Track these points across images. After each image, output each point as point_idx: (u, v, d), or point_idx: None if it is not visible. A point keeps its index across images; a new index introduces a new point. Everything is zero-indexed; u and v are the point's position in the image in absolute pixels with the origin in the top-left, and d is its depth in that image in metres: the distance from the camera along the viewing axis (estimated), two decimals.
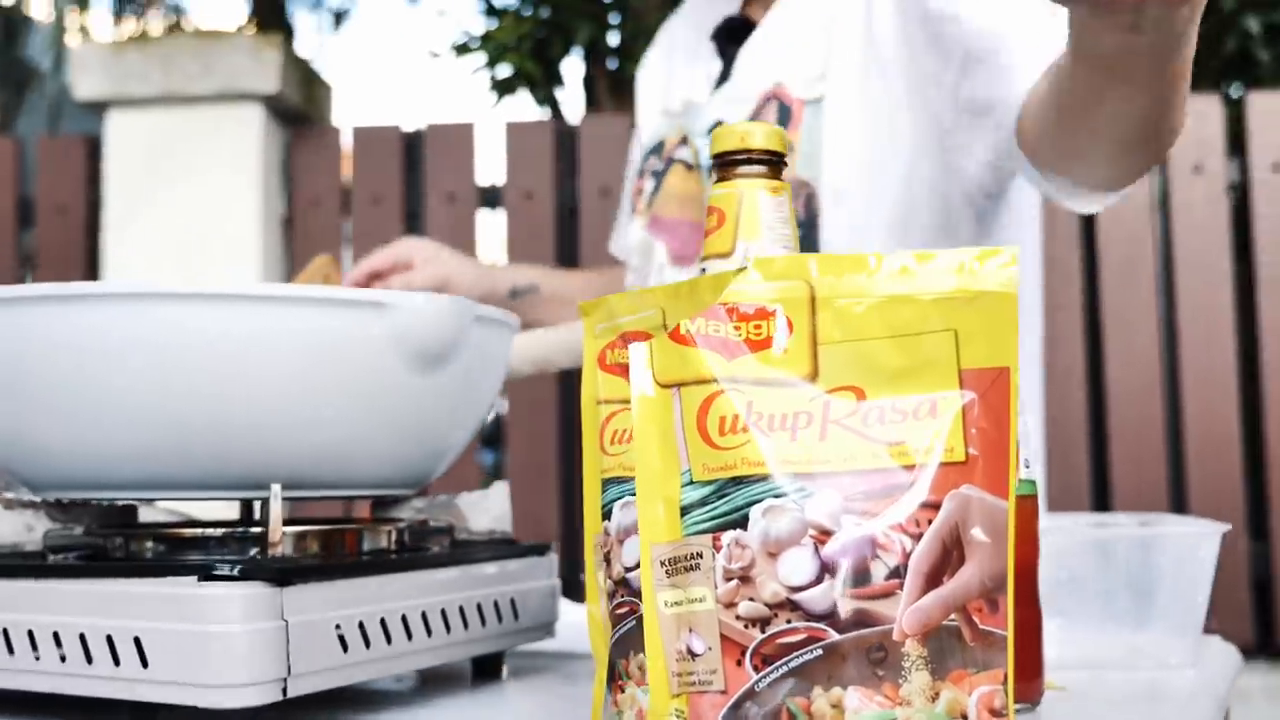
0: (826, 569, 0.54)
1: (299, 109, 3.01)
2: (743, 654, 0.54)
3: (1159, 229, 2.78)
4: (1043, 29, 1.09)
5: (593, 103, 3.62)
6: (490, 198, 2.98)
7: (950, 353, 0.56)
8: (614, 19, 3.49)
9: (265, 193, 2.93)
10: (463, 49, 3.55)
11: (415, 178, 3.00)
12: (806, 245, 1.18)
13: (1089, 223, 2.78)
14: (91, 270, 3.01)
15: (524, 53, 3.28)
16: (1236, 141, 2.78)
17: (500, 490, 0.87)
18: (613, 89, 3.44)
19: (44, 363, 0.68)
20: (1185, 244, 2.76)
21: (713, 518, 0.55)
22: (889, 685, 0.53)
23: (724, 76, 1.36)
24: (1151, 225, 2.76)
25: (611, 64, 3.52)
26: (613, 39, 3.52)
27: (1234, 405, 2.70)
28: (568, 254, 2.94)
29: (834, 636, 0.53)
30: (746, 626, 0.54)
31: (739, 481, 0.55)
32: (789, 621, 0.54)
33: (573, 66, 3.91)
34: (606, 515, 0.64)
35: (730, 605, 0.55)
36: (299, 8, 5.91)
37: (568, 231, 2.96)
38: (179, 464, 0.70)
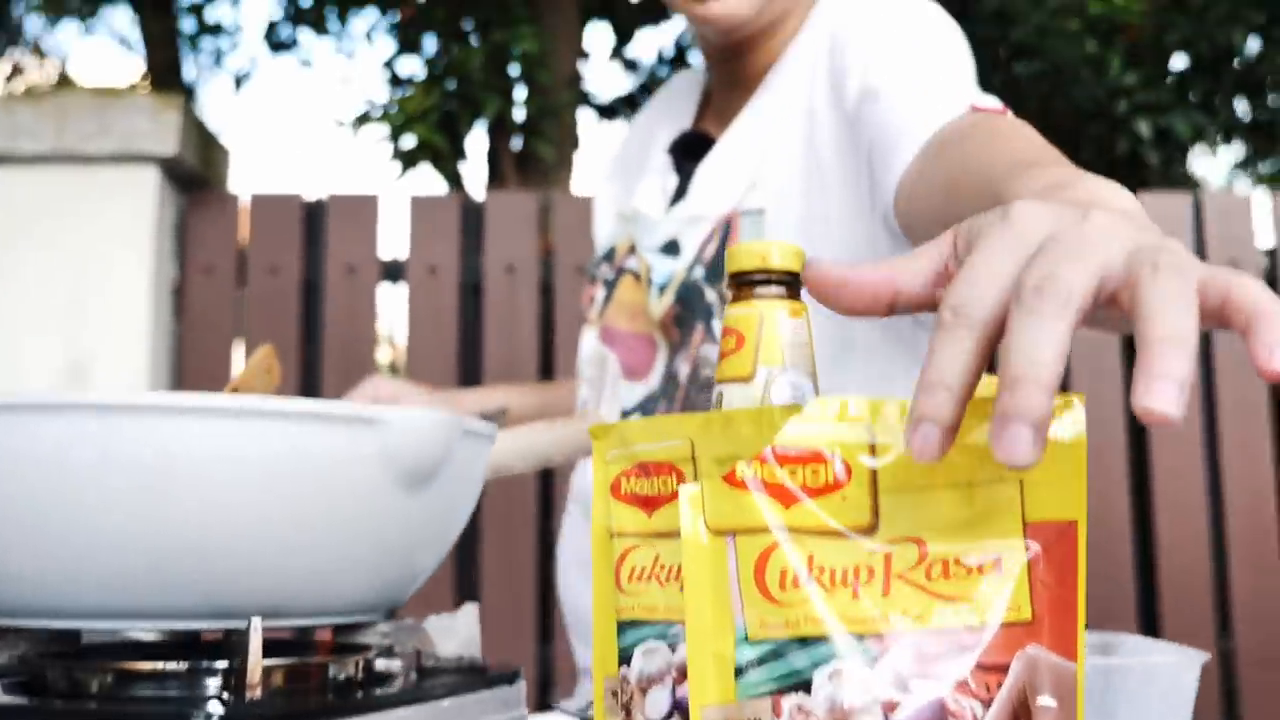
0: None
1: (196, 173, 2.92)
2: None
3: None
4: (936, 107, 1.06)
5: (496, 177, 3.60)
6: (392, 271, 2.92)
7: (1015, 503, 0.54)
8: (520, 94, 3.48)
9: (157, 259, 2.83)
10: (364, 118, 3.51)
11: (315, 248, 2.92)
12: None
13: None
14: None
15: (430, 125, 3.24)
16: None
17: (469, 613, 0.82)
18: (518, 164, 3.42)
19: (3, 477, 0.62)
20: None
21: (772, 680, 0.52)
22: None
23: (680, 193, 1.34)
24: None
25: (516, 140, 3.50)
26: (519, 114, 3.50)
27: None
28: (471, 331, 2.89)
29: None
30: None
31: (802, 641, 0.52)
32: None
33: (477, 140, 3.88)
34: (625, 660, 0.60)
35: None
36: (197, 67, 5.80)
37: (471, 307, 2.91)
38: (149, 591, 0.64)
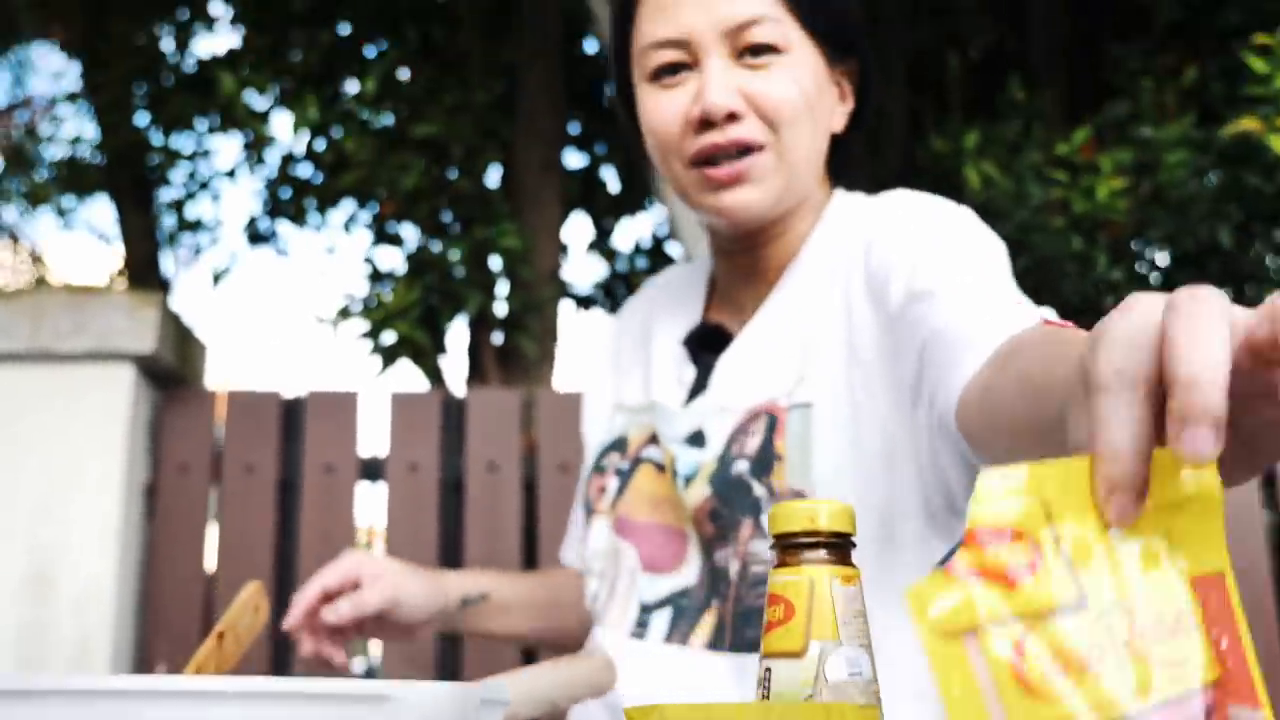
0: None
1: (172, 369, 2.88)
2: None
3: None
4: (999, 316, 1.05)
5: (477, 373, 3.57)
6: (371, 469, 2.86)
7: (1173, 558, 0.50)
8: (502, 289, 3.49)
9: (129, 455, 2.76)
10: (344, 313, 3.50)
11: (293, 446, 2.86)
12: None
13: None
14: None
15: (411, 320, 3.23)
16: None
17: None
18: (499, 359, 3.41)
19: None
20: None
21: None
22: None
23: (700, 385, 1.32)
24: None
25: (498, 335, 3.49)
26: (500, 309, 3.50)
27: None
28: (451, 529, 2.81)
29: None
30: None
31: None
32: None
33: (458, 335, 3.88)
34: None
35: None
36: (175, 261, 5.83)
37: (451, 505, 2.84)
38: None
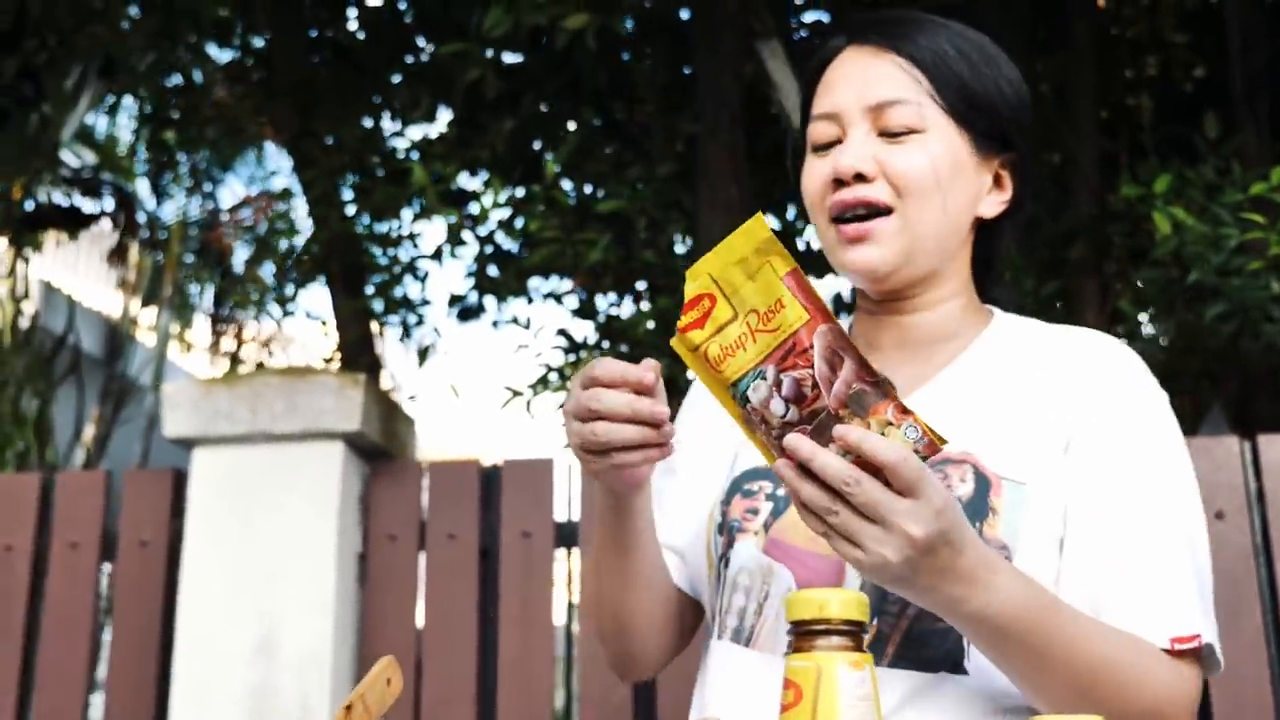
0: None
1: (378, 444, 3.05)
2: None
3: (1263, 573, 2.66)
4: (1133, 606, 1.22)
5: None
6: (567, 534, 2.95)
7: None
8: None
9: (341, 527, 2.93)
10: (543, 382, 3.62)
11: (491, 513, 2.99)
12: None
13: None
14: (168, 603, 2.99)
15: None
16: None
17: None
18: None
19: None
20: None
21: None
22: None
23: None
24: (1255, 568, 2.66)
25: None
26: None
27: None
28: None
29: None
30: None
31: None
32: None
33: None
34: (743, 402, 1.02)
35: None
36: (385, 340, 6.10)
37: None
38: None
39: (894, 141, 1.33)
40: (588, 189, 3.69)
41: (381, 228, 5.14)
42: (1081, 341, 1.37)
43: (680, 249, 3.91)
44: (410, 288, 5.50)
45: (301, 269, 5.65)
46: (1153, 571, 1.21)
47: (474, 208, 4.24)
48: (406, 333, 5.51)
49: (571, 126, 4.00)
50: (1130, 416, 1.30)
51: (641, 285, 4.06)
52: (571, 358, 3.87)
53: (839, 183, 1.34)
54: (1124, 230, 4.27)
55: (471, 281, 5.01)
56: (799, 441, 0.97)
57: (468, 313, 5.36)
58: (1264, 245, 3.30)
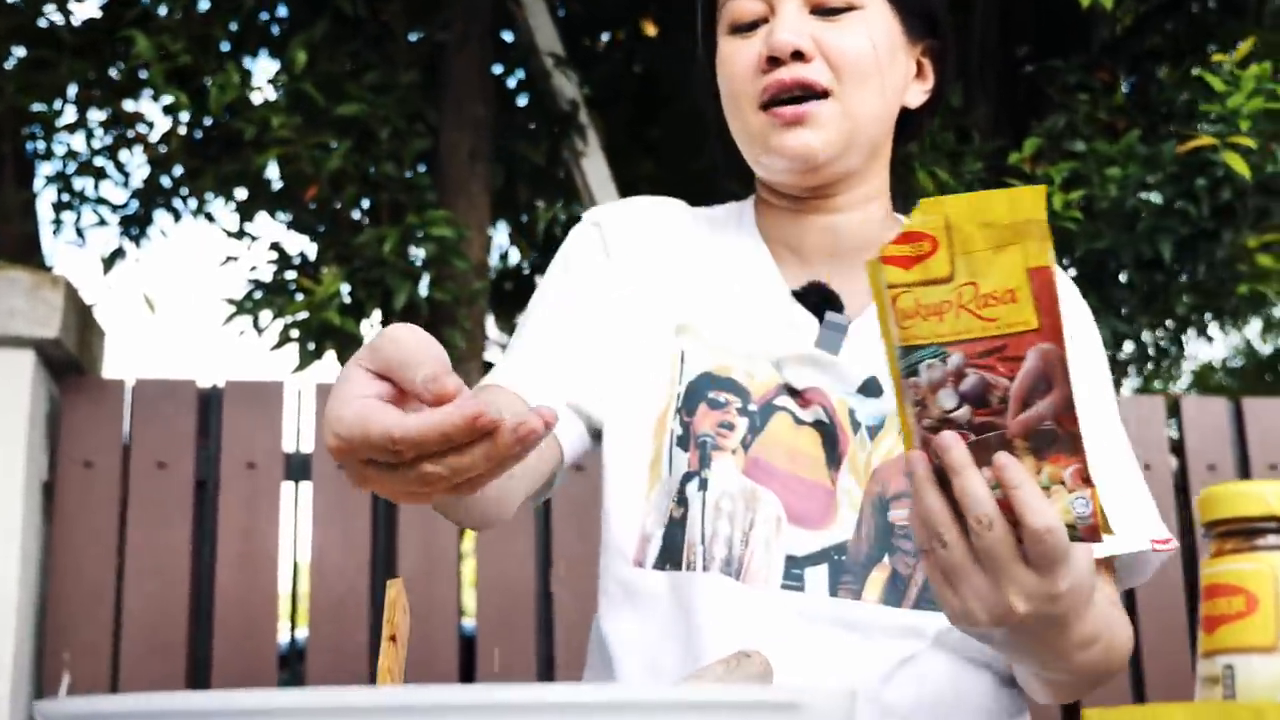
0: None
1: (75, 357, 2.65)
2: None
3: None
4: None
5: None
6: (297, 466, 2.67)
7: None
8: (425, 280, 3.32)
9: (29, 453, 2.53)
10: (257, 300, 3.28)
11: (209, 441, 2.66)
12: None
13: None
14: None
15: (337, 309, 3.04)
16: None
17: None
18: None
19: None
20: None
21: None
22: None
23: (833, 341, 1.29)
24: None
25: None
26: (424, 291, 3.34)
27: None
28: (386, 528, 2.64)
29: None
30: None
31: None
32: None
33: (376, 329, 3.70)
34: (912, 373, 0.82)
35: None
36: (59, 242, 5.47)
37: (384, 505, 2.67)
38: None
39: (831, 19, 1.25)
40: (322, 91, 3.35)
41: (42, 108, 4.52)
42: None
43: (423, 166, 3.65)
44: (87, 183, 4.89)
45: None
46: (1121, 482, 1.22)
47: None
48: (81, 235, 4.94)
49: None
50: (1076, 335, 1.29)
51: (367, 204, 3.75)
52: (288, 275, 3.53)
53: (771, 61, 1.23)
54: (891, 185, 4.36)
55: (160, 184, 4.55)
56: (954, 444, 0.81)
57: (147, 219, 4.89)
58: None
